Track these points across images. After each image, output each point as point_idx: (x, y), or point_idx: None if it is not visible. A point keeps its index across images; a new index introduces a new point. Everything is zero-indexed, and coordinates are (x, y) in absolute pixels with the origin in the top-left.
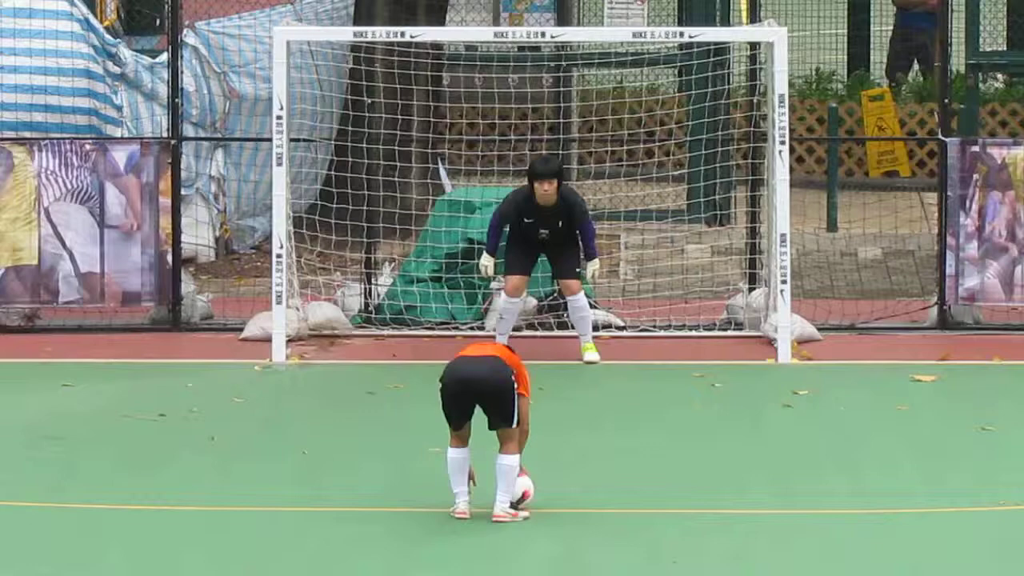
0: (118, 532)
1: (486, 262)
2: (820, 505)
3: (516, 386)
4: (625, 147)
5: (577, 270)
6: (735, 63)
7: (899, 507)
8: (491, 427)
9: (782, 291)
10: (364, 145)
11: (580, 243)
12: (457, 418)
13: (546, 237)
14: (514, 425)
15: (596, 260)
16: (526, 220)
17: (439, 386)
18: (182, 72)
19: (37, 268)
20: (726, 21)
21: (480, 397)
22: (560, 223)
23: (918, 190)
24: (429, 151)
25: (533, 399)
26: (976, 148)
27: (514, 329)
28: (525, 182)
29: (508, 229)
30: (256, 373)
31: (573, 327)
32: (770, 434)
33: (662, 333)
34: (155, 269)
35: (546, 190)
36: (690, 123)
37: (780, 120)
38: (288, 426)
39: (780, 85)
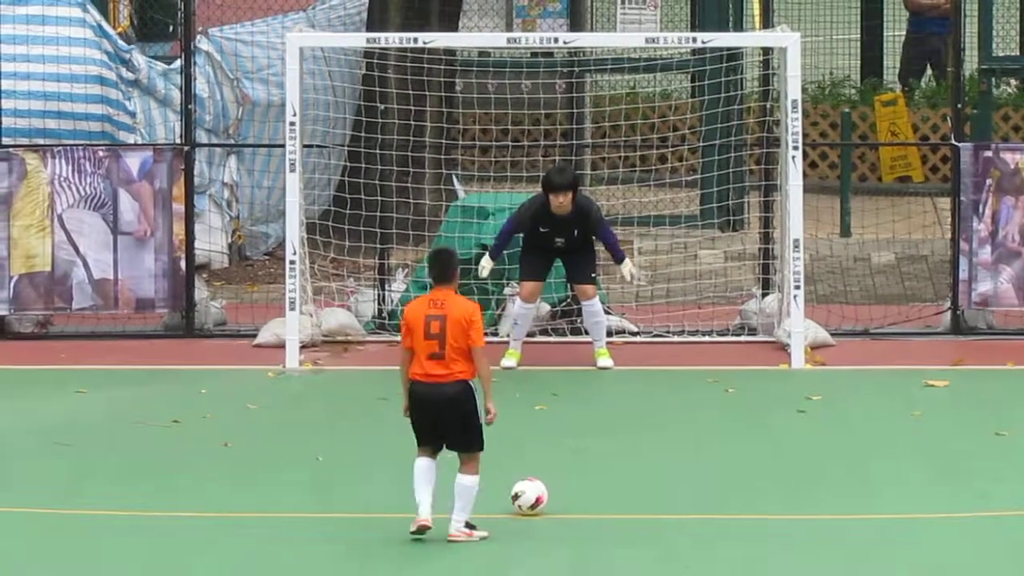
0: (131, 538)
1: (485, 263)
2: (834, 511)
3: (476, 408)
4: (638, 153)
5: (592, 275)
6: (748, 68)
7: (913, 512)
8: (450, 447)
9: (795, 296)
10: (377, 151)
11: (595, 250)
12: (424, 439)
13: (561, 245)
14: (475, 449)
15: (627, 260)
16: (541, 229)
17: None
18: (195, 78)
19: (50, 275)
20: (739, 26)
21: (444, 422)
22: (575, 232)
23: (931, 195)
24: (442, 157)
25: (547, 404)
26: (989, 153)
27: (527, 335)
28: (538, 188)
29: (523, 235)
30: (269, 379)
31: (587, 332)
32: (783, 439)
33: (675, 339)
34: (168, 275)
35: (561, 202)
36: (703, 128)
37: (793, 125)
38: (301, 432)
39: (793, 90)
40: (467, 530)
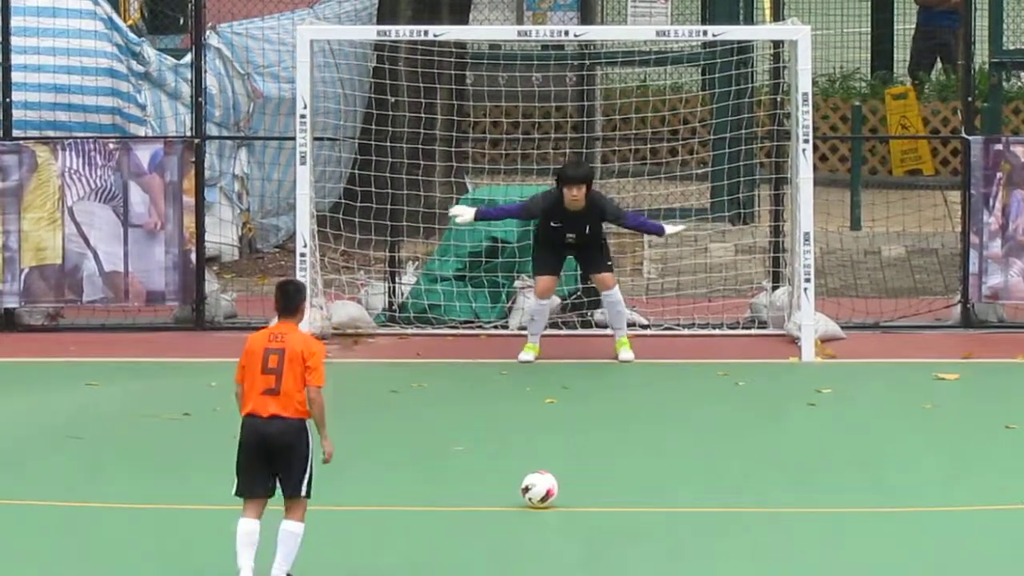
0: (141, 531)
1: (464, 212)
2: (844, 504)
3: (310, 454)
4: (649, 146)
5: (608, 263)
6: (758, 61)
7: (922, 505)
8: (286, 494)
9: (806, 289)
10: (388, 144)
11: (607, 242)
12: (254, 483)
13: (572, 240)
14: (303, 494)
15: (667, 226)
16: (553, 224)
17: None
18: (205, 72)
19: (61, 267)
20: (749, 19)
21: (277, 463)
22: (588, 228)
23: (941, 188)
24: (453, 150)
25: (558, 397)
26: (999, 146)
27: None
28: (549, 180)
29: (536, 230)
30: None
31: (608, 324)
32: (794, 433)
33: (686, 332)
34: (179, 268)
35: (575, 195)
36: (713, 121)
37: (804, 118)
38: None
39: (803, 83)
40: None
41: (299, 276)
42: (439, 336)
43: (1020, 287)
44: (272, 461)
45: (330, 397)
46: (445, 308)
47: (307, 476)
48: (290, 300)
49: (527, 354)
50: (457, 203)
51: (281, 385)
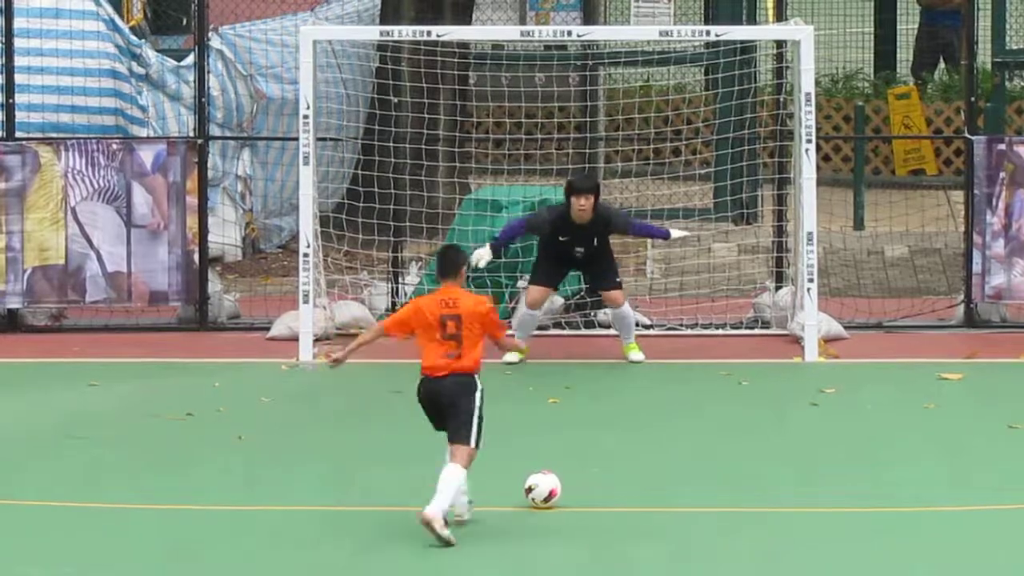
0: (144, 531)
1: (483, 254)
2: (847, 503)
3: (479, 407)
4: (652, 146)
5: (617, 279)
6: (761, 61)
7: (925, 505)
8: (450, 440)
9: (809, 289)
10: (391, 144)
11: (613, 254)
12: (438, 428)
13: (580, 255)
14: (471, 445)
15: (672, 230)
16: (561, 238)
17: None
18: (208, 72)
19: (64, 268)
20: (752, 20)
21: (443, 414)
22: (596, 241)
23: (944, 188)
24: (456, 150)
25: (561, 397)
26: (1002, 146)
27: (540, 328)
28: (551, 180)
29: (541, 242)
30: (283, 372)
31: (616, 331)
32: (797, 432)
33: (689, 332)
34: (182, 268)
35: (582, 205)
36: (716, 121)
37: (807, 118)
38: (314, 425)
39: (806, 83)
40: (441, 519)
41: (302, 276)
42: None
43: (1023, 287)
44: (441, 413)
45: (333, 397)
46: None
47: (475, 427)
48: (451, 263)
49: (511, 354)
50: (459, 203)
51: (462, 348)
